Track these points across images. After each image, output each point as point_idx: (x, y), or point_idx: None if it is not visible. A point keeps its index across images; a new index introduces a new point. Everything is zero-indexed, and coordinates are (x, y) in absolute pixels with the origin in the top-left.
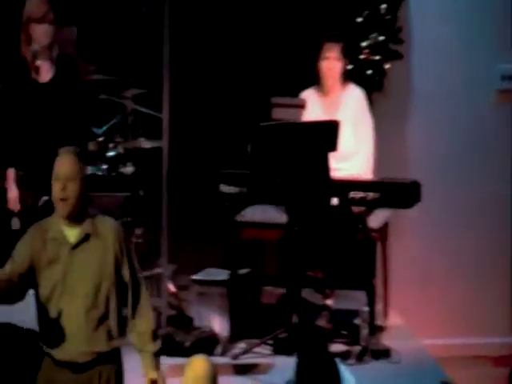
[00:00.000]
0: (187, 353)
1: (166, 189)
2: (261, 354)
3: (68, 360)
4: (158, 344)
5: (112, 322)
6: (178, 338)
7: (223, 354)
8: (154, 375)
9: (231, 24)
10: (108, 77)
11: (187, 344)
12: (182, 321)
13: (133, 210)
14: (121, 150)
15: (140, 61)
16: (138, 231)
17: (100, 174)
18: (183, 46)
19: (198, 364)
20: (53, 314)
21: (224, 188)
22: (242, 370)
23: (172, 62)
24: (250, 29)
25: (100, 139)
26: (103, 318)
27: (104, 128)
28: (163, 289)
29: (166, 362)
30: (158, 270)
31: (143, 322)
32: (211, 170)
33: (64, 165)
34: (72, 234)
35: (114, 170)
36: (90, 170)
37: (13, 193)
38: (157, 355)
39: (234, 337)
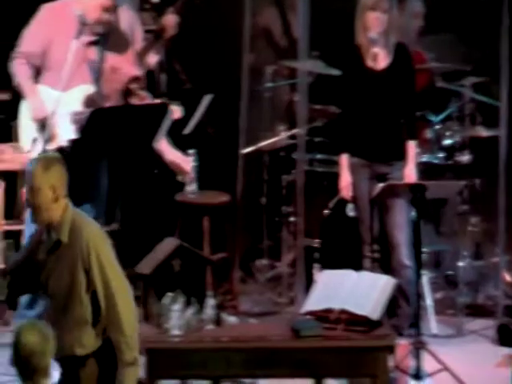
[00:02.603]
0: None
1: (503, 178)
2: None
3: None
4: (127, 357)
5: (85, 328)
6: None
7: None
8: None
9: None
10: (445, 65)
11: None
12: None
13: (469, 198)
14: (458, 138)
15: (479, 49)
16: (475, 220)
17: (436, 162)
18: None
19: None
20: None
21: None
22: None
23: (511, 50)
24: None
25: (437, 127)
26: (76, 324)
27: (441, 116)
28: (499, 278)
29: (502, 351)
30: (494, 260)
31: (113, 331)
32: None
33: (29, 174)
34: (52, 239)
35: (450, 159)
36: (425, 157)
37: (345, 180)
38: (130, 367)
39: None
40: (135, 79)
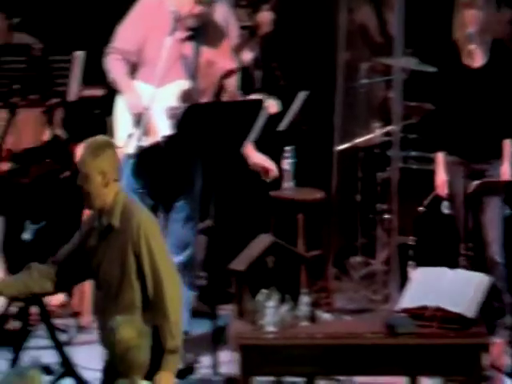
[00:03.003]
0: None
1: None
2: None
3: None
4: (169, 344)
5: (135, 313)
6: None
7: None
8: (159, 376)
9: None
10: None
11: None
12: None
13: None
14: None
15: None
16: None
17: None
18: None
19: None
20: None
21: None
22: None
23: None
24: None
25: None
26: (126, 309)
27: None
28: None
29: None
30: None
31: (159, 317)
32: None
33: (79, 159)
34: (103, 224)
35: None
36: None
37: (441, 178)
38: (172, 354)
39: None
40: (230, 73)
